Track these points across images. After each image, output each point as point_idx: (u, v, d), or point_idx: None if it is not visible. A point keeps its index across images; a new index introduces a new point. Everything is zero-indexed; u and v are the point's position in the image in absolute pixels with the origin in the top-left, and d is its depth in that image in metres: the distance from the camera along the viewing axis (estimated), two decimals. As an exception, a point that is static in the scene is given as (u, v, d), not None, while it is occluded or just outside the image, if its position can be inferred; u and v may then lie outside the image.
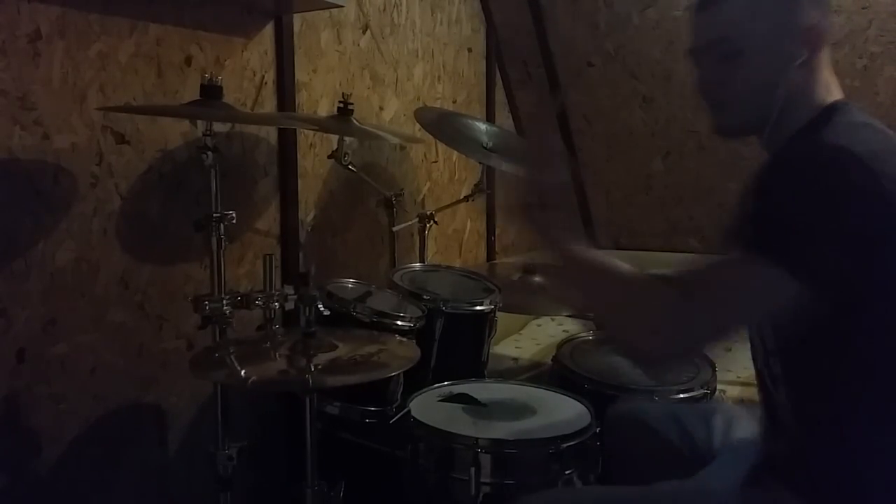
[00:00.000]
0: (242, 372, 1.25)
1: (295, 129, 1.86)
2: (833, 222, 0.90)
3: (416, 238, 2.13)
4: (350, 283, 1.75)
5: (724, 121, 1.13)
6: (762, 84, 1.06)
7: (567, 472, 1.36)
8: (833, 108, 1.05)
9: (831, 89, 1.08)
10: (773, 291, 0.92)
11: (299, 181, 1.89)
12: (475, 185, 2.27)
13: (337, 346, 1.30)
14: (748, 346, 1.15)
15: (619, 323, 1.07)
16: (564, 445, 1.36)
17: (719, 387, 1.79)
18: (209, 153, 1.37)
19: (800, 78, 1.05)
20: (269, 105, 1.80)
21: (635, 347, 1.04)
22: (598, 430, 1.42)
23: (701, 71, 1.13)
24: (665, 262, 2.94)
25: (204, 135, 1.38)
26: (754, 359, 1.13)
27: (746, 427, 1.27)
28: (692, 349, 1.06)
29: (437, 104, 2.43)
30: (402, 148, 2.30)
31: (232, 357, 1.31)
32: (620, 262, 1.08)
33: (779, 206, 0.94)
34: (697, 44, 1.12)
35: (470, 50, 2.64)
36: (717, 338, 1.03)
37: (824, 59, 1.08)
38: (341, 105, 1.79)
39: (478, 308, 1.79)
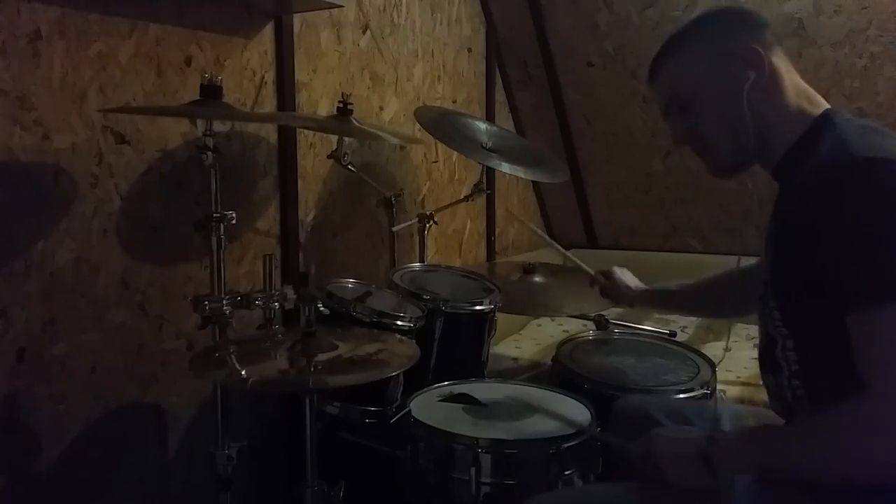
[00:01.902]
0: (242, 372, 1.25)
1: (295, 129, 1.86)
2: None
3: (416, 238, 2.13)
4: (350, 283, 1.75)
5: (713, 163, 1.18)
6: (724, 118, 1.11)
7: (567, 472, 1.36)
8: (825, 118, 1.06)
9: (812, 99, 1.10)
10: None
11: (299, 181, 1.89)
12: (475, 185, 2.27)
13: (337, 346, 1.30)
14: (748, 345, 1.15)
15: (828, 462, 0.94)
16: (564, 445, 1.36)
17: (719, 387, 1.79)
18: (209, 153, 1.37)
19: (763, 98, 1.08)
20: (269, 105, 1.80)
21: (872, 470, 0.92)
22: (598, 430, 1.42)
23: (673, 129, 1.20)
24: (665, 263, 2.95)
25: (204, 135, 1.38)
26: (771, 370, 1.12)
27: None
28: None
29: (437, 104, 2.43)
30: (402, 148, 2.30)
31: (232, 357, 1.31)
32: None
33: (869, 236, 0.91)
34: (661, 109, 1.20)
35: (470, 50, 2.64)
36: None
37: (785, 72, 1.09)
38: (341, 105, 1.79)
39: (478, 308, 1.79)
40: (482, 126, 2.17)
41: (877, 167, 0.93)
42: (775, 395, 1.14)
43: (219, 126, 1.59)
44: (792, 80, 1.10)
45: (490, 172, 2.53)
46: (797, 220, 1.00)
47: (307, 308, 1.28)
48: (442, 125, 2.04)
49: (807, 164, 1.03)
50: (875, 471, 0.90)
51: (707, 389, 1.67)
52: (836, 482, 0.96)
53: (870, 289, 0.89)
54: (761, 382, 1.18)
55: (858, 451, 0.90)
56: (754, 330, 1.26)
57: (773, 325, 1.08)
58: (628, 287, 1.67)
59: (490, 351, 1.91)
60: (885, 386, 0.89)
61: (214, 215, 1.40)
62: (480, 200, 2.66)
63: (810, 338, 1.03)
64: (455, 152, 2.46)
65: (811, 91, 1.11)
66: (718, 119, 1.12)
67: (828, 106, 1.10)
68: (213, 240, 1.40)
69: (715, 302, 1.46)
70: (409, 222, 2.11)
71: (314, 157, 1.96)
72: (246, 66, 1.74)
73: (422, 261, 2.09)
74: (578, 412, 1.49)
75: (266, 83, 1.79)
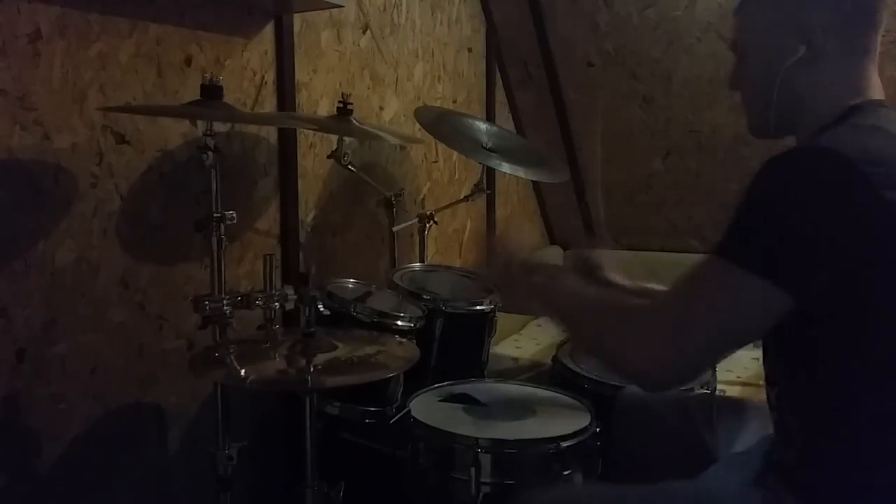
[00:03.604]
0: (242, 371, 1.25)
1: (295, 129, 1.86)
2: (811, 227, 0.88)
3: (416, 238, 2.13)
4: (350, 283, 1.75)
5: (749, 120, 1.15)
6: (762, 82, 1.08)
7: (567, 472, 1.36)
8: (855, 109, 1.02)
9: (867, 90, 1.05)
10: (751, 300, 0.90)
11: (299, 181, 1.89)
12: (475, 185, 2.27)
13: (337, 347, 1.30)
14: (748, 345, 1.15)
15: (600, 344, 1.06)
16: (564, 445, 1.36)
17: (719, 387, 1.79)
18: (209, 153, 1.37)
19: (808, 75, 1.04)
20: (269, 105, 1.80)
21: (625, 369, 1.03)
22: (598, 430, 1.42)
23: (733, 72, 1.17)
24: (665, 263, 2.95)
25: (204, 135, 1.38)
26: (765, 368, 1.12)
27: (752, 428, 1.27)
28: (684, 361, 0.96)
29: (438, 104, 2.43)
30: (402, 148, 2.30)
31: (231, 357, 1.31)
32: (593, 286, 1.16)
33: (757, 210, 0.92)
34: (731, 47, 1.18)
35: (470, 50, 2.64)
36: (706, 346, 0.96)
37: (847, 56, 1.04)
38: (341, 105, 1.79)
39: (478, 308, 1.79)
40: (482, 126, 2.17)
41: (828, 159, 0.91)
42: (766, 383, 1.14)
43: (219, 126, 1.58)
44: (865, 63, 1.05)
45: (490, 172, 2.53)
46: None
47: (307, 308, 1.28)
48: (442, 125, 2.04)
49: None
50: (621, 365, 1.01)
51: (707, 389, 1.67)
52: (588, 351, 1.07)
53: (720, 242, 0.93)
54: (761, 382, 1.18)
55: (629, 334, 0.98)
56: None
57: None
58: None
59: (490, 351, 1.91)
60: (674, 305, 0.97)
61: (214, 215, 1.39)
62: (480, 200, 2.66)
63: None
64: (455, 152, 2.46)
65: (877, 81, 1.06)
66: (756, 82, 1.10)
67: (872, 98, 1.05)
68: (213, 240, 1.40)
69: None
70: (409, 222, 2.11)
71: (314, 157, 1.96)
72: (246, 66, 1.74)
73: (422, 261, 2.09)
74: (578, 412, 1.49)
75: (266, 83, 1.79)
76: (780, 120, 1.08)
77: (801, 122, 1.07)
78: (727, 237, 0.93)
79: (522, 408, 1.52)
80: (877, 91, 1.06)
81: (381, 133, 1.88)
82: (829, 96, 1.05)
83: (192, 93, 1.51)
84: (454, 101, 2.56)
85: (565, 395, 1.58)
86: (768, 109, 1.07)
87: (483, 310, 1.79)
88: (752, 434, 1.25)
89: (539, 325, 2.72)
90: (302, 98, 1.89)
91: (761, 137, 1.16)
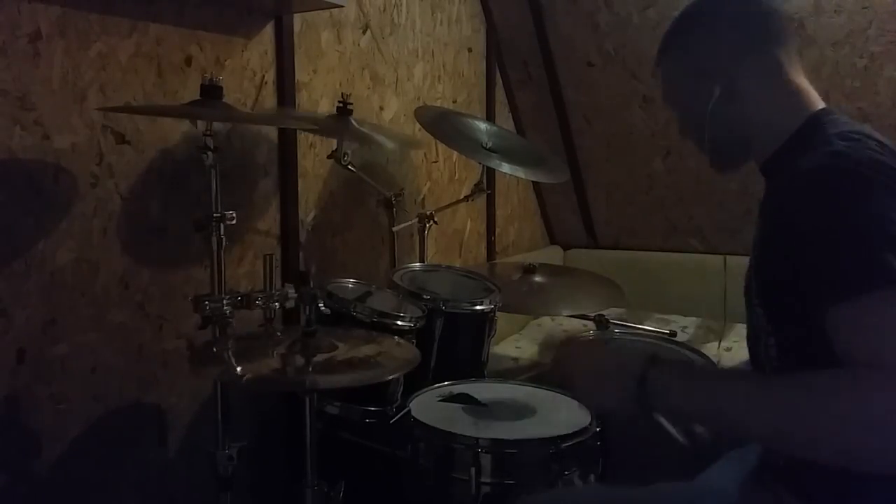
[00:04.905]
0: (238, 369, 1.25)
1: (295, 129, 1.85)
2: None
3: (416, 238, 2.13)
4: (350, 283, 1.75)
5: (709, 158, 1.19)
6: (694, 126, 1.14)
7: (567, 472, 1.36)
8: (816, 119, 1.05)
9: (810, 99, 1.08)
10: None
11: (299, 181, 1.89)
12: (475, 185, 2.27)
13: (336, 347, 1.30)
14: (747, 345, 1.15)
15: (814, 448, 0.83)
16: (564, 445, 1.36)
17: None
18: (209, 153, 1.37)
19: (736, 110, 1.08)
20: (269, 105, 1.80)
21: (862, 467, 0.82)
22: (598, 430, 1.42)
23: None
24: (665, 263, 2.95)
25: (204, 135, 1.38)
26: (757, 367, 1.12)
27: None
28: None
29: (438, 104, 2.43)
30: (402, 148, 2.30)
31: (230, 353, 1.31)
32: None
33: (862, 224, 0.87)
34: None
35: (470, 50, 2.64)
36: None
37: (779, 71, 1.08)
38: (341, 105, 1.79)
39: (478, 308, 1.79)
40: (482, 126, 2.16)
41: (839, 165, 0.93)
42: None
43: (219, 126, 1.58)
44: (790, 77, 1.09)
45: (490, 172, 2.53)
46: (777, 219, 1.01)
47: (307, 308, 1.28)
48: (442, 125, 2.04)
49: (789, 165, 1.03)
50: (871, 450, 0.78)
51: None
52: (802, 456, 0.87)
53: (846, 280, 0.86)
54: None
55: (860, 416, 0.78)
56: (754, 330, 1.25)
57: (757, 321, 1.09)
58: None
59: (490, 351, 1.91)
60: (882, 361, 0.80)
61: (214, 215, 1.39)
62: (480, 200, 2.66)
63: (789, 335, 1.03)
64: (455, 152, 2.46)
65: (810, 91, 1.10)
66: (688, 126, 1.17)
67: (823, 106, 1.09)
68: (213, 240, 1.40)
69: None
70: (410, 222, 2.11)
71: (314, 156, 1.96)
72: (246, 66, 1.74)
73: (422, 261, 2.09)
74: (578, 412, 1.49)
75: (266, 83, 1.79)
76: (729, 155, 1.14)
77: (753, 148, 1.12)
78: (852, 273, 0.85)
79: (522, 408, 1.52)
80: (816, 99, 1.09)
81: (378, 137, 1.87)
82: (769, 119, 1.09)
83: (192, 93, 1.51)
84: (454, 101, 2.56)
85: (565, 395, 1.58)
86: (713, 149, 1.13)
87: (483, 310, 1.79)
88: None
89: (539, 325, 2.73)
90: (302, 98, 1.89)
91: (721, 172, 1.20)
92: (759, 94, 1.09)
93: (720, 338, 2.41)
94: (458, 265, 2.45)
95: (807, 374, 0.86)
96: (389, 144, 2.01)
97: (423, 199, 2.41)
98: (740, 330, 2.44)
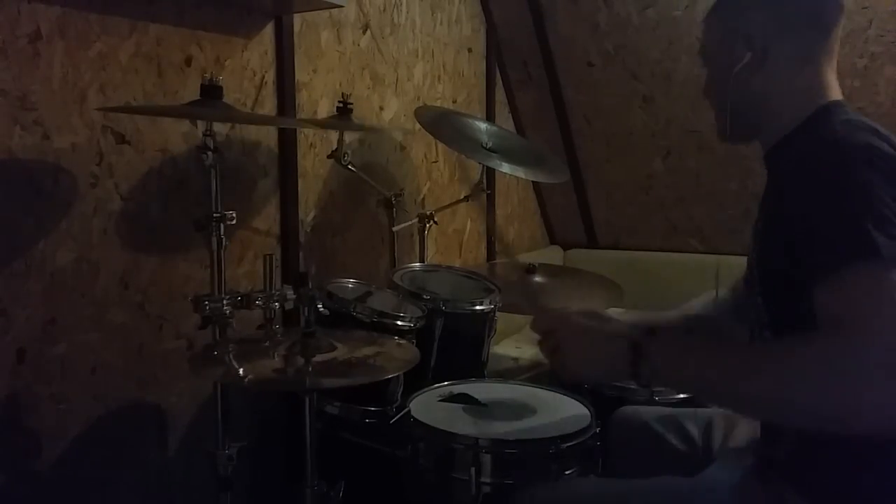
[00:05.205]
0: (240, 371, 1.25)
1: (295, 129, 1.86)
2: None
3: (416, 238, 2.13)
4: (350, 283, 1.75)
5: (717, 125, 1.19)
6: (718, 87, 1.15)
7: (567, 472, 1.36)
8: (826, 110, 1.06)
9: (826, 90, 1.08)
10: None
11: (299, 181, 1.89)
12: (475, 185, 2.27)
13: (336, 347, 1.30)
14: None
15: (786, 409, 0.86)
16: (564, 445, 1.36)
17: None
18: (209, 153, 1.37)
19: (759, 81, 1.09)
20: (269, 105, 1.80)
21: (834, 430, 0.84)
22: (598, 430, 1.42)
23: (705, 80, 1.22)
24: (665, 263, 2.95)
25: (204, 135, 1.38)
26: None
27: (745, 432, 1.27)
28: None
29: (438, 104, 2.43)
30: (402, 148, 2.30)
31: (230, 356, 1.31)
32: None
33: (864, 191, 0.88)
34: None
35: (470, 50, 2.64)
36: None
37: (802, 58, 1.08)
38: (341, 105, 1.79)
39: (478, 308, 1.79)
40: (482, 126, 2.16)
41: (835, 147, 0.95)
42: None
43: (219, 126, 1.58)
44: (819, 67, 1.09)
45: (490, 172, 2.53)
46: (777, 205, 1.01)
47: (307, 308, 1.28)
48: (442, 125, 2.04)
49: (793, 155, 1.04)
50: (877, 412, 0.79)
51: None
52: (806, 426, 0.88)
53: (831, 255, 0.87)
54: None
55: (834, 378, 0.80)
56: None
57: (756, 313, 1.09)
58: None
59: (490, 351, 1.91)
60: (867, 330, 0.81)
61: (214, 215, 1.39)
62: (480, 200, 2.66)
63: (788, 327, 1.03)
64: (455, 152, 2.46)
65: (834, 85, 1.09)
66: (713, 87, 1.18)
67: (837, 98, 1.09)
68: (213, 240, 1.40)
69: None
70: (409, 222, 2.11)
71: (314, 156, 1.96)
72: (246, 66, 1.74)
73: (422, 261, 2.09)
74: (578, 412, 1.49)
75: (266, 83, 1.79)
76: (741, 124, 1.13)
77: (764, 126, 1.12)
78: (853, 239, 0.86)
79: (522, 408, 1.52)
80: (835, 93, 1.09)
81: (380, 126, 1.87)
82: (786, 100, 1.09)
83: (192, 93, 1.51)
84: (454, 101, 2.56)
85: (565, 395, 1.58)
86: (728, 114, 1.12)
87: (483, 310, 1.79)
88: (748, 441, 1.25)
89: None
90: (302, 98, 1.89)
91: (728, 142, 1.20)
92: (784, 72, 1.09)
93: (720, 338, 2.41)
94: (458, 265, 2.45)
95: (787, 339, 0.92)
96: (394, 132, 1.99)
97: (423, 199, 2.41)
98: (740, 330, 2.45)
